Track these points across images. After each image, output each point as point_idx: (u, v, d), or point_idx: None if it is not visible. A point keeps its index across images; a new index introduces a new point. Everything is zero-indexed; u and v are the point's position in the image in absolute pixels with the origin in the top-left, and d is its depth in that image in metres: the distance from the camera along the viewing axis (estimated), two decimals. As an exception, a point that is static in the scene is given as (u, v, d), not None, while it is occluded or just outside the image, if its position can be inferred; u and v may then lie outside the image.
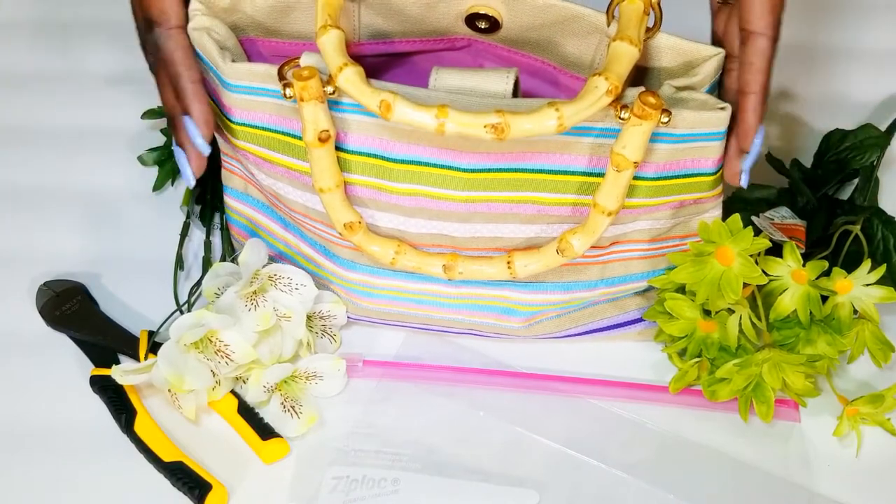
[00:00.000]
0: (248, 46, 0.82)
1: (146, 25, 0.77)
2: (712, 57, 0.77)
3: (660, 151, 0.75)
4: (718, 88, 0.78)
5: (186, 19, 0.77)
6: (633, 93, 0.73)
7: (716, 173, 0.78)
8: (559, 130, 0.70)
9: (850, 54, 1.09)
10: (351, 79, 0.71)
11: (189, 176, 0.79)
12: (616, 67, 0.71)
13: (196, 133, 0.77)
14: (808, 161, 0.95)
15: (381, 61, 0.85)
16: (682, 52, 0.78)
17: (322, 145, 0.74)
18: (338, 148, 0.76)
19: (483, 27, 0.81)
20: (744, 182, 0.77)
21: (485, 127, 0.70)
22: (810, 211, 0.90)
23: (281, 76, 0.74)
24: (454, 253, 0.79)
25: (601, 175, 0.75)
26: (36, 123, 1.03)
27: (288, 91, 0.73)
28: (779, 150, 0.99)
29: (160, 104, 1.00)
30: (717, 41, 0.79)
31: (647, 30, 0.76)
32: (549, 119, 0.70)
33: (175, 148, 0.80)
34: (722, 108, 0.75)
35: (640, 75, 0.80)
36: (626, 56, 0.72)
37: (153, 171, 0.98)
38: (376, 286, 0.83)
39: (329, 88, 0.72)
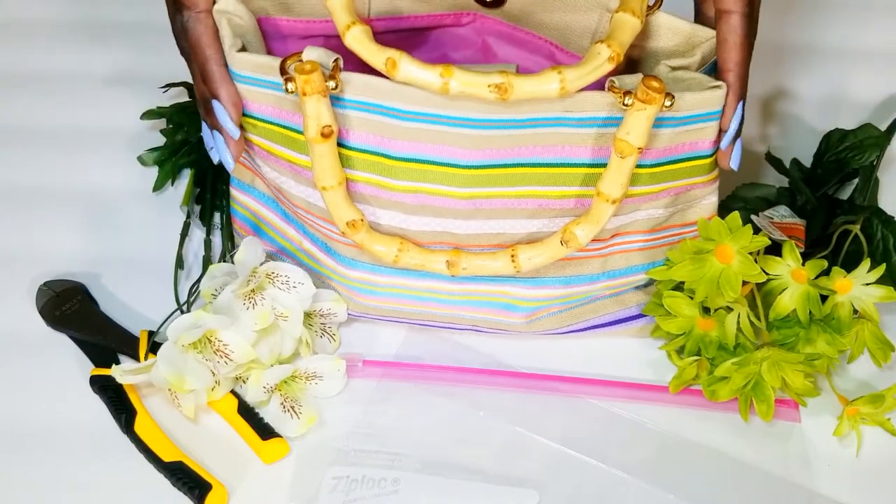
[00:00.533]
0: (269, 26, 0.82)
1: (175, 9, 0.77)
2: (709, 39, 0.77)
3: (661, 136, 0.75)
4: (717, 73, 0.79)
5: (214, 3, 0.78)
6: (635, 79, 0.74)
7: (712, 155, 0.78)
8: (561, 94, 0.71)
9: (850, 54, 1.09)
10: (358, 37, 0.71)
11: (229, 161, 0.79)
12: (619, 36, 0.72)
13: (225, 116, 0.77)
14: (807, 161, 0.96)
15: (386, 45, 0.86)
16: (679, 33, 0.79)
17: (325, 141, 0.74)
18: (339, 144, 0.76)
19: (488, 0, 0.82)
20: (733, 163, 0.78)
21: (489, 86, 0.70)
22: (810, 210, 0.90)
23: (283, 71, 0.74)
24: (457, 249, 0.79)
25: (605, 166, 0.75)
26: (36, 123, 1.03)
27: (290, 85, 0.73)
28: (778, 149, 0.99)
29: (160, 104, 1.00)
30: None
31: (648, 7, 0.76)
32: (551, 82, 0.70)
33: (206, 134, 0.80)
34: (717, 87, 0.76)
35: (634, 63, 0.81)
36: (628, 25, 0.73)
37: (153, 171, 0.98)
38: (377, 284, 0.83)
39: (331, 83, 0.72)
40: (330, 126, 0.74)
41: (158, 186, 0.97)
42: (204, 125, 0.80)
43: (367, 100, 0.74)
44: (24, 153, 1.01)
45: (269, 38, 0.83)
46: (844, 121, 1.00)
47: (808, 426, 0.82)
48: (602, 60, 0.71)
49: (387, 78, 0.73)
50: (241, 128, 0.79)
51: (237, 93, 0.77)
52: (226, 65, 0.77)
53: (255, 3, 0.81)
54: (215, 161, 0.80)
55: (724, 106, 0.76)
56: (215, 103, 0.77)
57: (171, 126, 0.99)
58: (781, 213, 0.86)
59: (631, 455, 0.80)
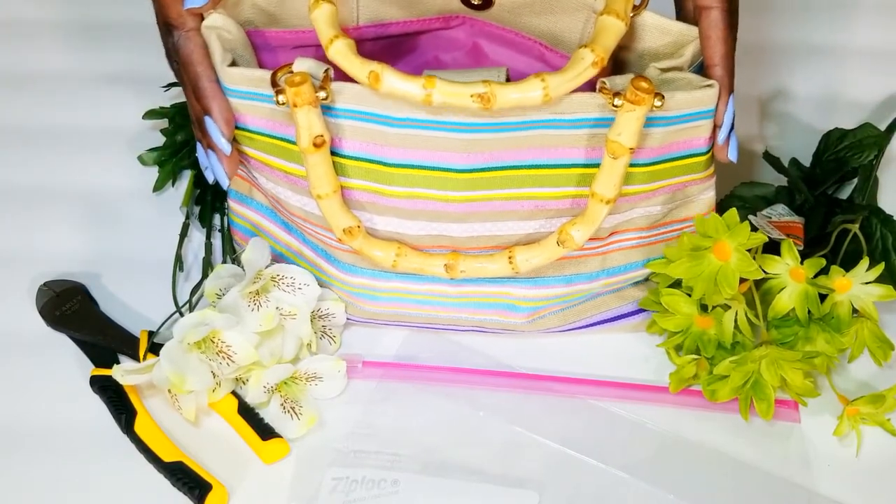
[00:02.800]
0: (258, 38, 0.82)
1: (166, 30, 0.78)
2: (697, 38, 0.78)
3: (654, 136, 0.76)
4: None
5: (202, 21, 0.78)
6: (624, 79, 0.74)
7: (708, 152, 0.78)
8: (545, 101, 0.71)
9: (849, 54, 1.09)
10: (342, 51, 0.72)
11: (223, 178, 0.80)
12: (602, 40, 0.72)
13: (217, 132, 0.77)
14: (806, 160, 0.95)
15: (377, 52, 0.86)
16: (667, 33, 0.79)
17: (317, 151, 0.74)
18: (333, 153, 0.76)
19: (476, 3, 0.82)
20: (731, 155, 0.79)
21: (471, 96, 0.70)
22: (808, 209, 0.90)
23: (274, 83, 0.74)
24: (455, 252, 0.79)
25: (599, 166, 0.75)
26: (36, 123, 1.03)
27: (280, 98, 0.73)
28: (777, 148, 0.99)
29: (161, 104, 1.00)
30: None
31: (634, 7, 0.77)
32: (535, 90, 0.71)
33: (201, 154, 0.80)
34: (709, 86, 0.76)
35: (619, 69, 0.81)
36: (612, 29, 0.73)
37: (153, 171, 0.98)
38: (379, 289, 0.83)
39: (322, 94, 0.73)
40: (322, 136, 0.74)
41: (159, 187, 0.97)
42: (198, 145, 0.80)
43: (359, 108, 0.74)
44: (24, 153, 1.01)
45: (259, 49, 0.83)
46: (843, 120, 1.00)
47: (808, 426, 0.82)
48: (586, 65, 0.71)
49: None
50: (236, 142, 0.79)
51: (229, 108, 0.78)
52: (217, 81, 0.77)
53: (242, 17, 0.81)
54: (210, 180, 0.81)
55: (717, 102, 0.77)
56: (207, 119, 0.77)
57: (171, 126, 0.99)
58: (779, 211, 0.86)
59: (631, 455, 0.80)
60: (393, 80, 0.71)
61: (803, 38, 1.10)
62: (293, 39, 0.83)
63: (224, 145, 0.78)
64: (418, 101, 0.71)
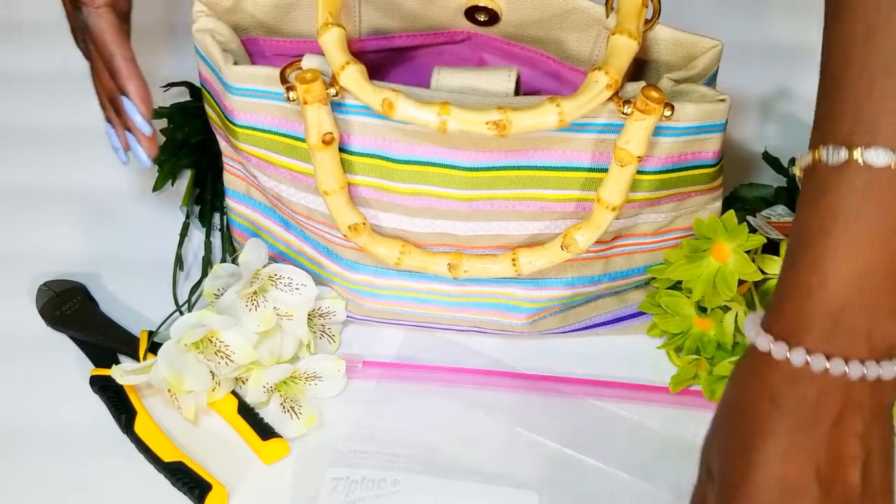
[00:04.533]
0: (251, 46, 0.82)
1: (73, 5, 0.77)
2: (710, 49, 0.77)
3: (662, 145, 0.75)
4: None
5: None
6: (635, 88, 0.74)
7: (716, 165, 0.78)
8: (560, 126, 0.71)
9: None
10: (353, 77, 0.72)
11: (144, 158, 0.79)
12: (615, 61, 0.72)
13: (134, 112, 0.77)
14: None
15: (381, 59, 0.86)
16: (680, 45, 0.78)
17: (326, 148, 0.74)
18: (341, 149, 0.76)
19: (482, 20, 0.82)
20: None
21: (487, 123, 0.70)
22: (809, 210, 0.90)
23: (283, 79, 0.74)
24: (458, 252, 0.79)
25: (605, 171, 0.75)
26: (36, 123, 1.03)
27: (291, 94, 0.73)
28: (777, 148, 0.99)
29: (161, 104, 1.00)
30: None
31: (646, 22, 0.76)
32: (549, 115, 0.70)
33: (111, 134, 0.79)
34: (722, 100, 0.75)
35: (639, 69, 0.81)
36: (625, 49, 0.72)
37: (152, 171, 0.98)
38: (380, 286, 0.83)
39: (332, 90, 0.73)
40: (331, 133, 0.74)
41: (158, 186, 0.97)
42: (107, 125, 0.80)
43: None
44: (24, 153, 1.01)
45: (252, 56, 0.83)
46: (844, 120, 1.00)
47: (808, 426, 0.82)
48: (600, 88, 0.71)
49: (387, 83, 0.73)
50: (212, 143, 0.79)
51: (146, 87, 0.77)
52: (132, 59, 0.77)
53: (237, 24, 0.80)
54: (122, 161, 0.80)
55: None
56: (124, 100, 0.77)
57: (171, 126, 0.99)
58: (779, 212, 0.87)
59: (631, 455, 0.80)
60: (407, 107, 0.70)
61: (803, 39, 1.10)
62: (293, 48, 0.83)
63: (144, 125, 0.77)
64: (433, 128, 0.71)
